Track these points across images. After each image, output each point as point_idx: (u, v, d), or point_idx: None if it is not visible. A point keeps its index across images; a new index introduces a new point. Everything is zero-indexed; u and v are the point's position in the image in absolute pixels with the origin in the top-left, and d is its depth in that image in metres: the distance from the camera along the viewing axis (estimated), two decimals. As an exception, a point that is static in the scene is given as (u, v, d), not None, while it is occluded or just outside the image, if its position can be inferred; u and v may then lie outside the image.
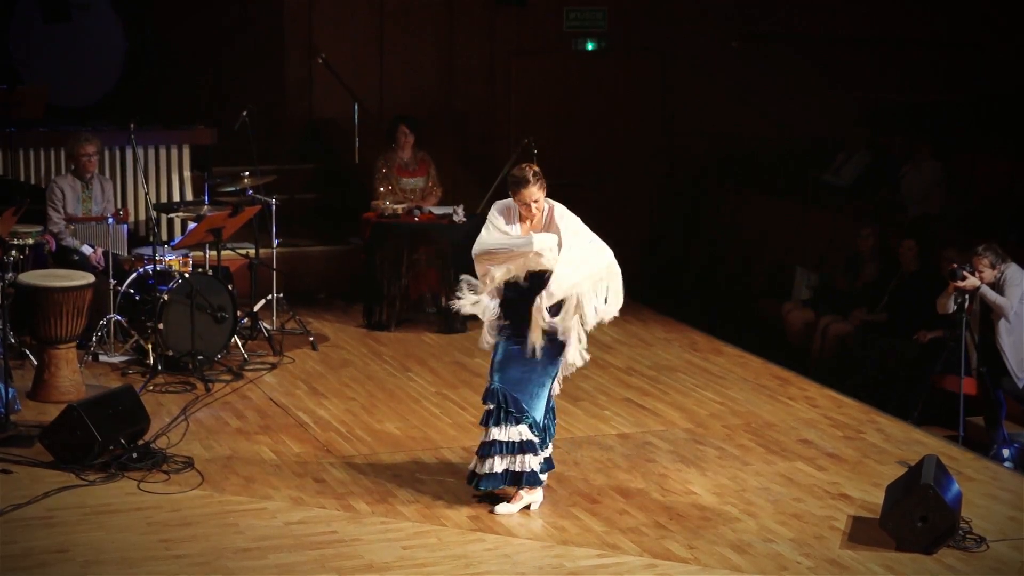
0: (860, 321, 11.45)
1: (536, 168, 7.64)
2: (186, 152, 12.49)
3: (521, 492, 7.73)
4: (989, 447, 9.69)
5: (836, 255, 12.76)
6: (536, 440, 7.68)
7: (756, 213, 14.49)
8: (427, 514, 7.69)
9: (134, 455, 8.21)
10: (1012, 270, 9.85)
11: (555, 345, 7.68)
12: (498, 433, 7.64)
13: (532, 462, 7.68)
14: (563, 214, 7.68)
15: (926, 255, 11.28)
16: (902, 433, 9.32)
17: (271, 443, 8.80)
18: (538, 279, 7.60)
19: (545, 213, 7.68)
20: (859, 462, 8.71)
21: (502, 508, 7.72)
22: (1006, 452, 9.60)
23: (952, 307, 9.88)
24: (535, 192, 7.57)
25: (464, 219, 11.49)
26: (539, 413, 7.71)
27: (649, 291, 14.30)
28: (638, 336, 11.53)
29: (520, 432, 7.63)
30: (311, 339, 11.00)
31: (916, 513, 7.30)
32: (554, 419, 7.96)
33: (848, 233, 12.57)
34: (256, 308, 10.97)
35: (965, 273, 9.72)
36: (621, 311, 7.97)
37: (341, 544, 7.27)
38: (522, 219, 7.68)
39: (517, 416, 7.62)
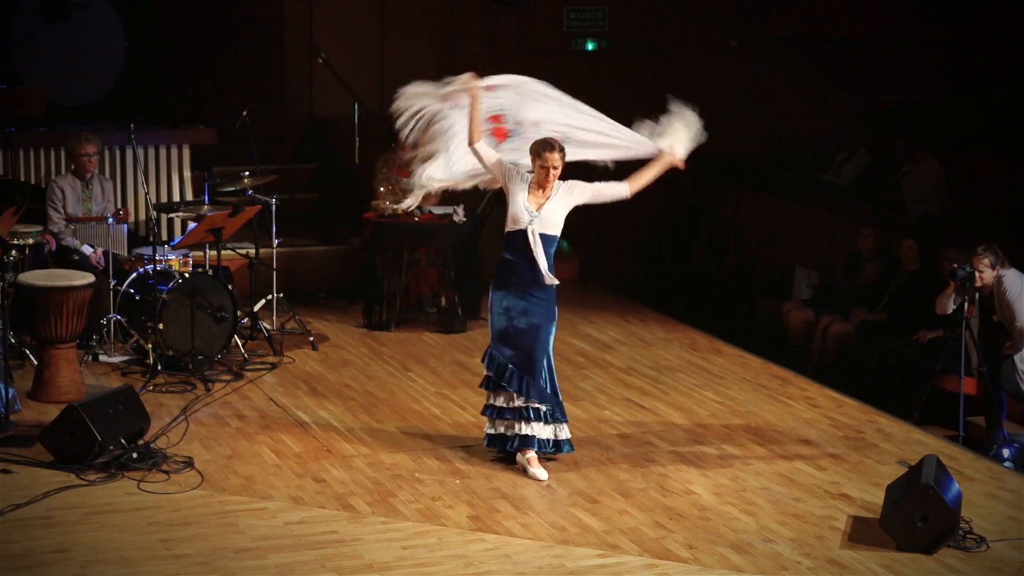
0: (860, 321, 11.45)
1: (563, 144, 8.19)
2: (186, 152, 12.49)
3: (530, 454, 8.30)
4: (989, 447, 9.69)
5: (836, 255, 12.75)
6: (536, 406, 8.22)
7: (756, 213, 14.49)
8: (427, 514, 7.70)
9: (134, 455, 8.22)
10: (1010, 279, 9.79)
11: (548, 306, 8.19)
12: (495, 399, 8.31)
13: (536, 429, 8.25)
14: (574, 181, 8.27)
15: (926, 255, 11.27)
16: (902, 433, 9.32)
17: (271, 443, 8.80)
18: (546, 242, 8.13)
19: (558, 189, 8.19)
20: (859, 462, 8.71)
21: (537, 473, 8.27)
22: (1006, 452, 9.59)
23: (951, 307, 9.88)
24: (557, 159, 8.11)
25: (464, 219, 11.49)
26: (548, 380, 8.26)
27: (649, 291, 14.31)
28: (638, 336, 11.53)
29: (521, 402, 8.23)
30: (311, 339, 11.00)
31: (916, 513, 7.30)
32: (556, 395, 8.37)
33: (848, 233, 12.57)
34: (256, 308, 10.97)
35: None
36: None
37: (341, 544, 7.28)
38: (535, 187, 8.19)
39: (504, 386, 8.25)
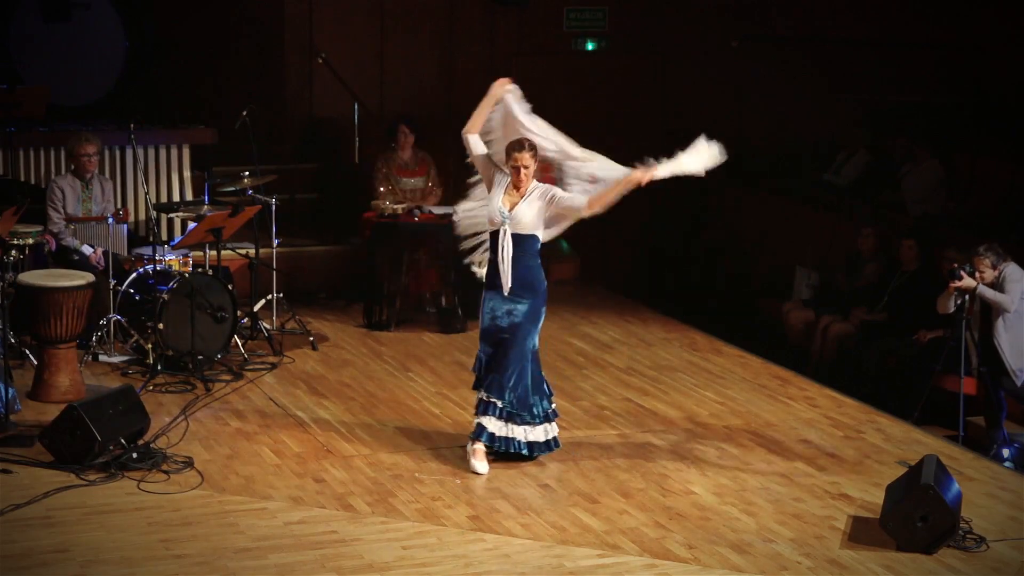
0: (860, 321, 11.45)
1: (533, 142, 8.25)
2: (186, 152, 12.49)
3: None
4: (989, 447, 9.69)
5: (836, 255, 12.75)
6: (484, 397, 8.30)
7: (756, 213, 14.49)
8: (427, 514, 7.70)
9: (134, 455, 8.21)
10: (1011, 268, 9.87)
11: (534, 307, 8.23)
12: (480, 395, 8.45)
13: (485, 421, 8.32)
14: (549, 185, 8.30)
15: (926, 255, 11.27)
16: (902, 433, 9.32)
17: (271, 443, 8.80)
18: (521, 241, 8.22)
19: (534, 190, 8.24)
20: (859, 462, 8.71)
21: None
22: (1006, 452, 9.60)
23: (952, 307, 9.88)
24: (527, 158, 8.18)
25: (464, 219, 11.47)
26: (515, 380, 8.24)
27: (649, 291, 14.31)
28: (638, 336, 11.53)
29: (481, 395, 8.37)
30: (311, 339, 11.00)
31: (916, 513, 7.30)
32: (543, 398, 8.39)
33: (848, 233, 12.57)
34: (256, 308, 10.97)
35: (962, 273, 9.73)
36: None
37: (341, 544, 7.28)
38: (511, 188, 8.26)
39: (481, 384, 8.39)
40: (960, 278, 9.73)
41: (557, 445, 8.53)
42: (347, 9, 14.64)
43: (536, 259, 8.30)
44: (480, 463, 8.33)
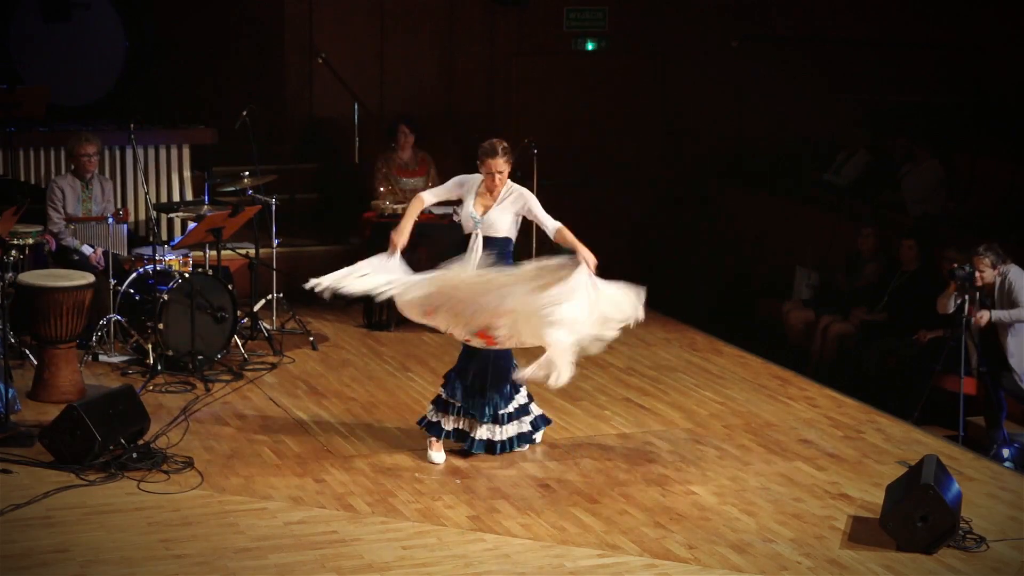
0: (860, 321, 11.45)
1: (506, 144, 8.31)
2: (186, 152, 12.48)
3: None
4: (989, 447, 9.69)
5: (836, 255, 12.75)
6: (443, 396, 8.44)
7: (756, 213, 14.49)
8: (427, 514, 7.70)
9: (134, 455, 8.22)
10: (1015, 273, 9.83)
11: None
12: None
13: (443, 420, 8.45)
14: (524, 191, 8.35)
15: (926, 255, 11.28)
16: (902, 433, 9.32)
17: (271, 443, 8.80)
18: (493, 244, 8.31)
19: (508, 194, 8.34)
20: (859, 462, 8.71)
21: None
22: (1006, 452, 9.60)
23: (952, 307, 9.88)
24: (501, 164, 8.27)
25: (464, 219, 11.47)
26: (472, 376, 8.38)
27: (649, 291, 14.29)
28: (638, 336, 11.50)
29: (440, 392, 8.54)
30: (311, 339, 11.00)
31: (916, 513, 7.30)
32: (503, 398, 8.46)
33: (848, 233, 12.57)
34: (256, 308, 10.97)
35: (982, 313, 9.71)
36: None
37: (341, 544, 7.28)
38: (483, 191, 8.36)
39: None
40: (976, 318, 9.71)
41: (505, 450, 8.53)
42: (347, 9, 14.64)
43: (509, 260, 8.37)
44: (437, 454, 8.47)
